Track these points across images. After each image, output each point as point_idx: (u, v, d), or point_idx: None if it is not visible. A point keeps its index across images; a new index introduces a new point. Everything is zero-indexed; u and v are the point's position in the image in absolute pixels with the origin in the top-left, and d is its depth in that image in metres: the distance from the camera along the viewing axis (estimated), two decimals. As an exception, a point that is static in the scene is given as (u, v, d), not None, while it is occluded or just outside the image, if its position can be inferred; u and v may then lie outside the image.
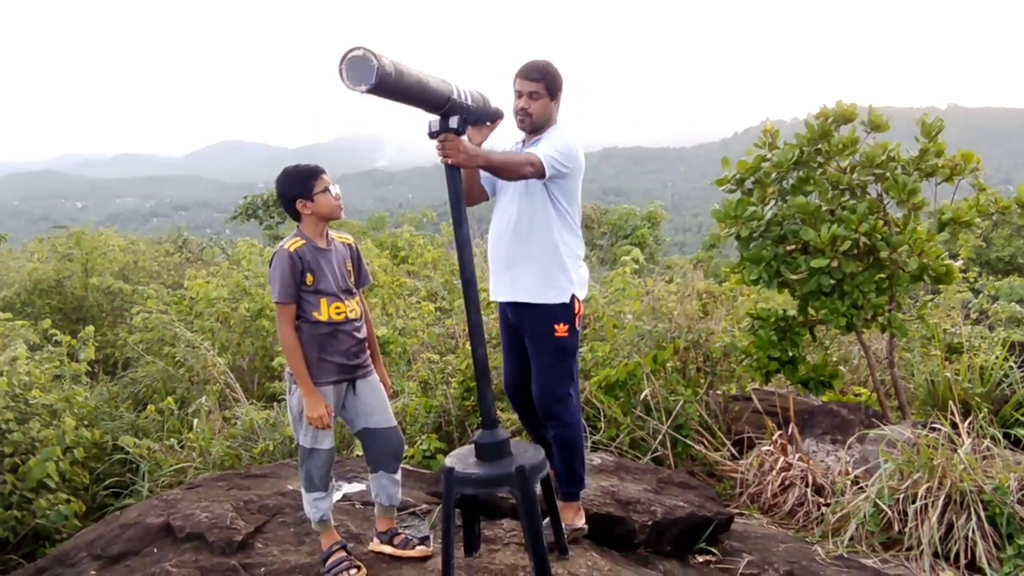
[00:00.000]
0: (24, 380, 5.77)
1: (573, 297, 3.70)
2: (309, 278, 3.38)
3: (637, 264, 10.74)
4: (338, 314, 3.44)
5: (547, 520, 3.52)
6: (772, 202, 5.56)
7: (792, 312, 5.74)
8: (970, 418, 4.66)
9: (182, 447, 5.94)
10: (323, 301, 3.41)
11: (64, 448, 5.33)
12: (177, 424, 6.56)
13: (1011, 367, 5.93)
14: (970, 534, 3.94)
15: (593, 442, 5.35)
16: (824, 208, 5.28)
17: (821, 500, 4.66)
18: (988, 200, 5.25)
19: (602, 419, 5.55)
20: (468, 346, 6.15)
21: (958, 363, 6.22)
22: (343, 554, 3.47)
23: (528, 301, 3.69)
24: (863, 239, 5.03)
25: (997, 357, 6.05)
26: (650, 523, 3.96)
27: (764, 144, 5.61)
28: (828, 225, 5.06)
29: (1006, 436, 4.93)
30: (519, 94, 3.65)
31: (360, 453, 5.26)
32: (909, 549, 4.04)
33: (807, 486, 4.73)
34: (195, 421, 6.29)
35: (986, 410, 5.31)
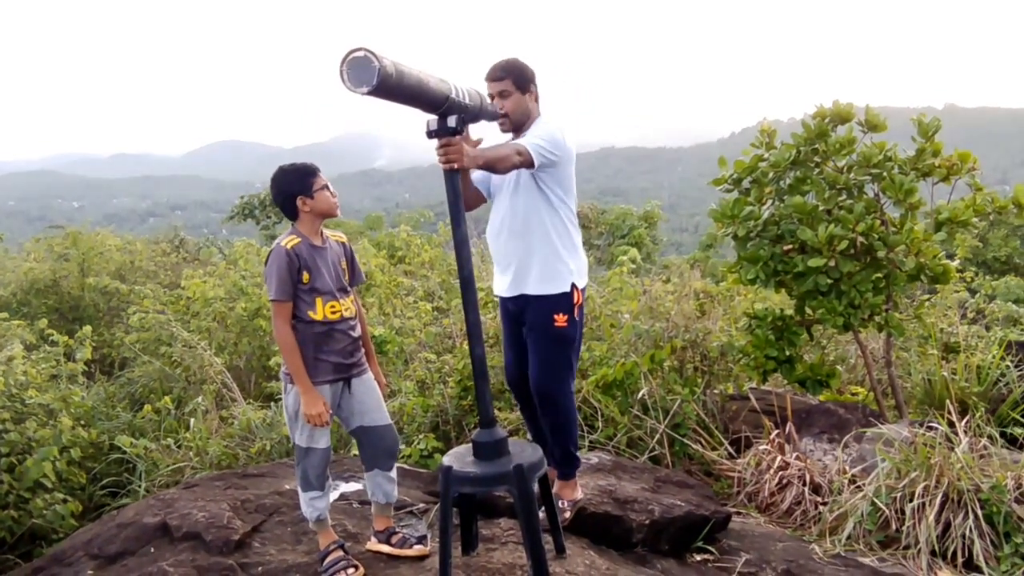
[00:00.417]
0: (20, 380, 5.76)
1: (573, 286, 3.74)
2: (306, 276, 3.38)
3: (634, 264, 10.74)
4: (333, 313, 3.45)
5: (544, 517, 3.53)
6: (769, 202, 5.57)
7: (789, 311, 5.74)
8: (967, 417, 4.66)
9: (179, 447, 5.94)
10: (319, 300, 3.41)
11: (61, 448, 5.32)
12: (174, 424, 6.55)
13: (1008, 366, 5.94)
14: (967, 533, 3.94)
15: (590, 441, 5.36)
16: (821, 208, 5.28)
17: (818, 499, 4.66)
18: (985, 200, 5.25)
19: (599, 418, 5.55)
20: (465, 346, 6.16)
21: (955, 362, 6.23)
22: (340, 553, 3.47)
23: (529, 294, 3.74)
24: (860, 239, 5.03)
25: (994, 356, 6.06)
26: (648, 522, 3.96)
27: (761, 144, 5.62)
28: (825, 225, 5.07)
29: (1003, 435, 4.93)
30: (490, 97, 3.66)
31: (357, 452, 5.27)
32: (906, 548, 4.05)
33: (804, 485, 4.74)
34: (192, 421, 6.28)
35: (983, 409, 5.31)
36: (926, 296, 8.01)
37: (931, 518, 4.00)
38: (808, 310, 5.54)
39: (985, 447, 4.44)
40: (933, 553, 3.97)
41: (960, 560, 3.92)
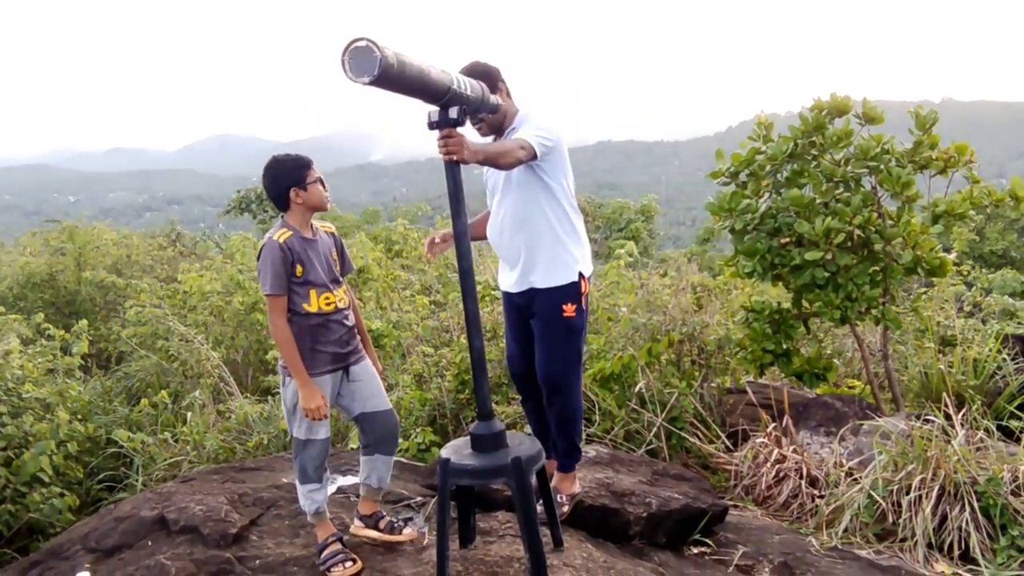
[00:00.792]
0: (17, 374, 5.75)
1: (580, 275, 3.77)
2: (299, 269, 3.38)
3: (631, 257, 10.73)
4: (328, 304, 3.45)
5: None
6: (766, 195, 5.57)
7: (786, 305, 5.74)
8: (964, 410, 4.67)
9: (176, 441, 5.93)
10: (313, 292, 3.41)
11: (58, 442, 5.32)
12: (171, 418, 6.54)
13: (1004, 359, 5.96)
14: (964, 525, 3.95)
15: (588, 435, 5.36)
16: (818, 201, 5.28)
17: (815, 492, 4.67)
18: (982, 193, 5.25)
19: (597, 412, 5.55)
20: (463, 339, 6.15)
21: (952, 355, 6.24)
22: (338, 546, 3.47)
23: (538, 287, 3.75)
24: (857, 232, 5.03)
25: (990, 350, 6.07)
26: (645, 515, 3.97)
27: (758, 137, 5.61)
28: (822, 218, 5.07)
29: (999, 428, 4.94)
30: None
31: (354, 446, 5.27)
32: (903, 540, 4.06)
33: (801, 478, 4.75)
34: (189, 415, 6.28)
35: (979, 402, 5.32)
36: (923, 289, 8.01)
37: (928, 511, 4.01)
38: (805, 303, 5.55)
39: (981, 440, 4.45)
40: (929, 546, 3.98)
41: (956, 552, 3.93)
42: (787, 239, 5.29)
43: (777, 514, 4.67)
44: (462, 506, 3.49)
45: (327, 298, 3.46)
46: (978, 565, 3.83)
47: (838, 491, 4.45)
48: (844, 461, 4.77)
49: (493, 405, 3.57)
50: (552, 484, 3.93)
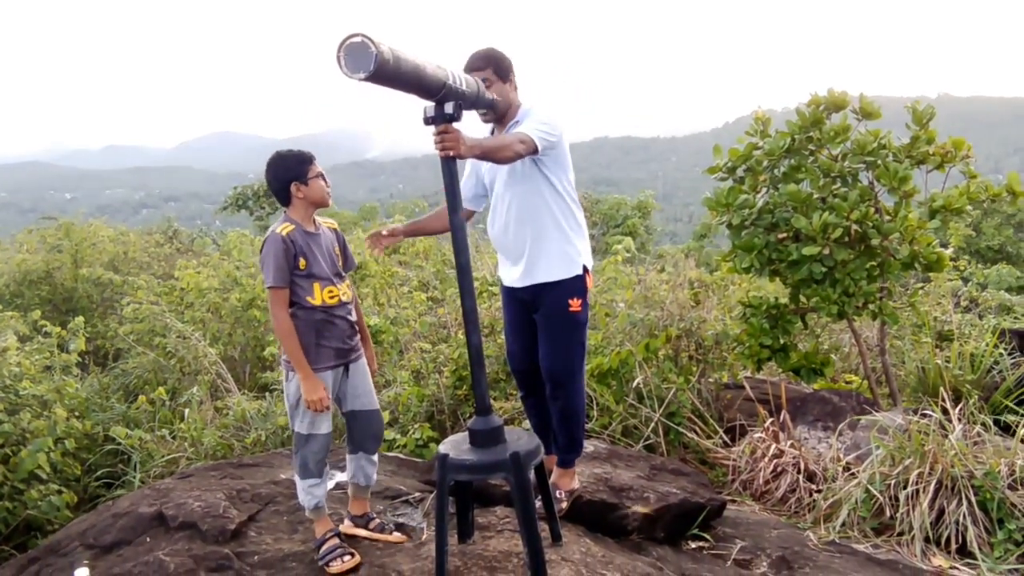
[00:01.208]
0: (14, 371, 5.74)
1: (584, 268, 3.79)
2: (302, 262, 3.38)
3: (628, 253, 10.72)
4: (331, 297, 3.46)
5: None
6: (763, 190, 5.57)
7: (784, 300, 5.75)
8: (961, 405, 4.68)
9: (174, 437, 5.93)
10: (316, 285, 3.42)
11: (55, 439, 5.31)
12: (168, 415, 6.54)
13: (1001, 354, 5.97)
14: (961, 519, 3.96)
15: (586, 430, 5.36)
16: (815, 196, 5.28)
17: (813, 486, 4.68)
18: (979, 188, 5.26)
19: (595, 407, 5.56)
20: (461, 335, 6.15)
21: (949, 350, 6.25)
22: (337, 541, 3.48)
23: (544, 282, 3.75)
24: (854, 227, 5.04)
25: (987, 344, 6.08)
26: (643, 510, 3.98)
27: (755, 132, 5.61)
28: (819, 213, 5.07)
29: (996, 423, 4.95)
30: None
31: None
32: (900, 534, 4.07)
33: (799, 473, 4.75)
34: (187, 411, 6.27)
35: (976, 397, 5.33)
36: (920, 284, 8.04)
37: (925, 505, 4.02)
38: (802, 298, 5.55)
39: (979, 434, 4.46)
40: (927, 539, 4.00)
41: (954, 546, 3.95)
42: (784, 234, 5.29)
43: (775, 509, 4.68)
44: (460, 501, 3.49)
45: (331, 291, 3.46)
46: (975, 559, 3.84)
47: (836, 486, 4.46)
48: (841, 456, 4.78)
49: (491, 401, 3.57)
50: (551, 480, 3.94)
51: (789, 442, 4.96)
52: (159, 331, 8.30)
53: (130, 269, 12.72)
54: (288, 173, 3.42)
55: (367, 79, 2.63)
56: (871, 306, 5.29)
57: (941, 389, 5.07)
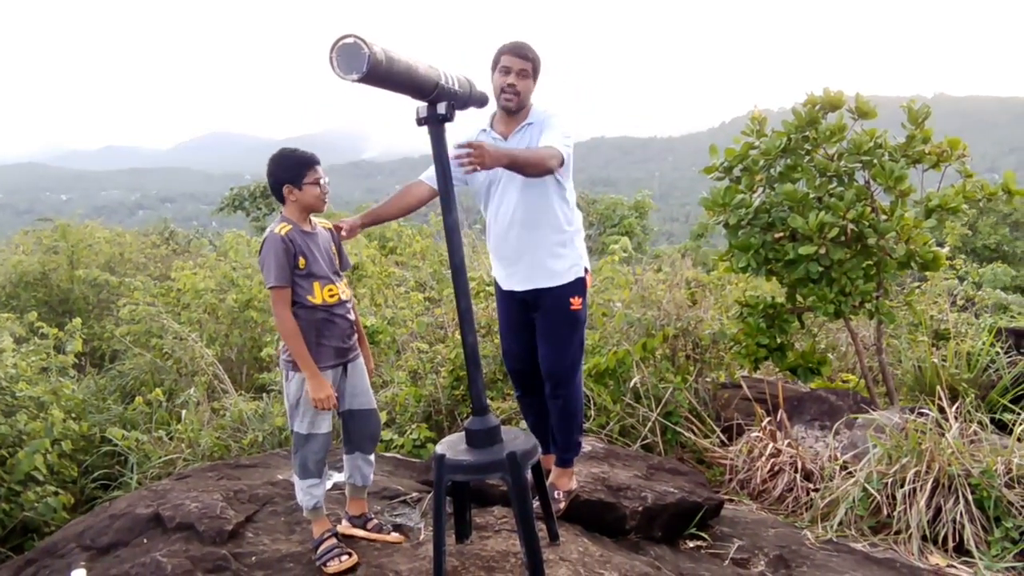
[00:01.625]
0: (11, 373, 5.73)
1: (585, 269, 3.83)
2: (302, 261, 3.38)
3: (625, 253, 10.72)
4: (332, 296, 3.45)
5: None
6: (760, 190, 5.58)
7: (780, 299, 5.75)
8: (957, 403, 4.69)
9: (171, 439, 5.92)
10: (316, 284, 3.41)
11: (52, 440, 5.30)
12: (165, 416, 6.52)
13: (997, 353, 5.98)
14: (958, 517, 3.97)
15: (583, 430, 5.36)
16: (812, 195, 5.29)
17: (810, 485, 4.68)
18: (974, 187, 5.27)
19: (592, 407, 5.56)
20: (458, 335, 6.15)
21: (945, 349, 6.26)
22: (334, 541, 3.47)
23: (547, 286, 3.76)
24: (851, 226, 5.04)
25: (983, 343, 6.09)
26: (640, 509, 3.98)
27: (752, 132, 5.62)
28: (816, 212, 5.08)
29: (993, 421, 4.96)
30: (507, 70, 3.62)
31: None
32: (898, 533, 4.08)
33: (796, 472, 4.76)
34: (183, 413, 6.26)
35: (973, 395, 5.34)
36: (916, 283, 8.04)
37: (922, 503, 4.03)
38: (799, 298, 5.56)
39: (975, 433, 4.47)
40: (924, 538, 4.00)
41: (951, 545, 3.96)
42: (781, 234, 5.30)
43: (772, 508, 4.69)
44: (458, 501, 3.49)
45: (331, 290, 3.46)
46: (972, 557, 3.85)
47: (833, 484, 4.46)
48: (839, 455, 4.78)
49: (488, 400, 3.57)
50: (549, 480, 3.95)
51: (786, 441, 4.97)
52: (156, 332, 8.29)
53: (126, 270, 12.69)
54: (284, 175, 3.41)
55: (360, 80, 2.62)
56: (868, 305, 5.29)
57: (938, 388, 5.08)
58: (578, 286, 3.81)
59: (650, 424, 5.33)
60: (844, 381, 6.78)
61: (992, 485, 4.02)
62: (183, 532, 3.68)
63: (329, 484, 4.18)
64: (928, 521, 4.02)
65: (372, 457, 3.69)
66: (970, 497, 4.01)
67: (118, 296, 10.10)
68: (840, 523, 4.22)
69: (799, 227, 5.12)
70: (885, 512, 4.18)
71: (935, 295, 8.24)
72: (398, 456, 5.07)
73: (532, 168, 3.39)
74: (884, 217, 5.23)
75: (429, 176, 3.79)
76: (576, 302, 3.79)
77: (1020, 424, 4.48)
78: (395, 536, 3.65)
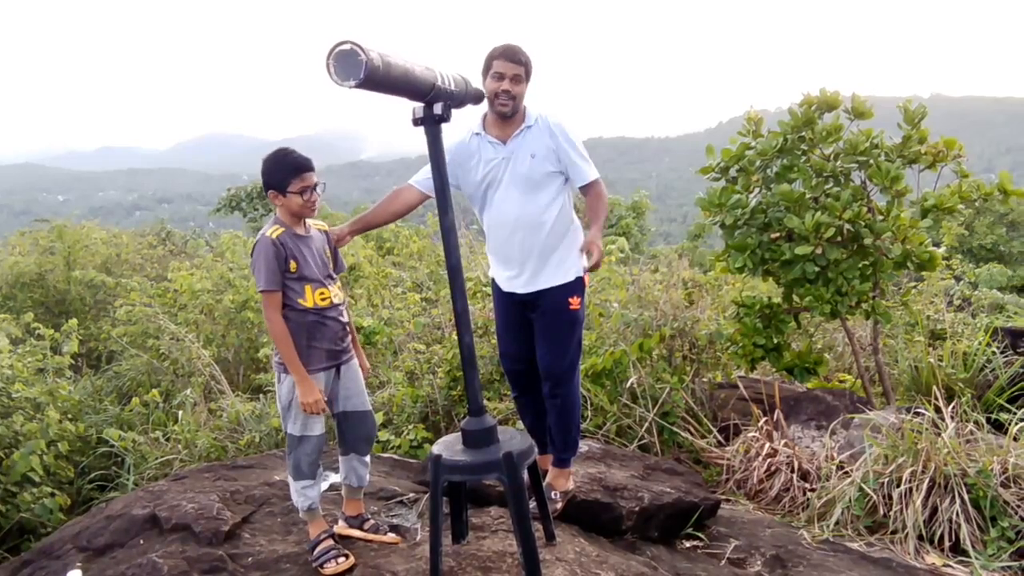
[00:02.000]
0: (7, 374, 5.73)
1: (584, 269, 3.82)
2: (293, 265, 3.37)
3: (622, 253, 10.72)
4: (323, 299, 3.44)
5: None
6: (756, 190, 5.58)
7: (777, 299, 5.76)
8: (953, 403, 4.69)
9: (167, 440, 5.91)
10: (308, 288, 3.40)
11: (48, 442, 5.30)
12: (162, 417, 6.52)
13: (994, 353, 5.99)
14: (954, 517, 3.97)
15: (580, 430, 5.37)
16: (808, 195, 5.30)
17: (807, 485, 4.69)
18: (970, 187, 5.28)
19: (589, 407, 5.56)
20: (454, 336, 6.15)
21: (941, 349, 6.27)
22: (331, 542, 3.47)
23: (549, 286, 3.79)
24: (847, 226, 5.05)
25: (980, 343, 6.10)
26: (637, 509, 3.98)
27: (748, 132, 5.62)
28: (812, 212, 5.08)
29: (989, 421, 4.96)
30: (500, 76, 3.63)
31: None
32: (894, 532, 4.08)
33: (793, 472, 4.76)
34: (180, 413, 6.25)
35: (969, 395, 5.35)
36: (913, 283, 8.05)
37: (918, 503, 4.03)
38: (796, 298, 5.56)
39: (971, 432, 4.47)
40: (920, 537, 4.01)
41: (947, 544, 3.96)
42: (777, 234, 5.30)
43: (769, 508, 4.69)
44: (454, 502, 3.49)
45: (322, 293, 3.45)
46: (968, 556, 3.85)
47: (829, 484, 4.47)
48: (835, 454, 4.79)
49: (484, 401, 3.57)
50: (547, 481, 3.96)
51: (783, 441, 4.97)
52: (152, 333, 8.28)
53: (123, 271, 12.68)
54: (269, 179, 3.37)
55: (357, 86, 2.61)
56: (864, 305, 5.30)
57: (934, 388, 5.09)
58: (577, 286, 3.83)
59: (647, 424, 5.33)
60: (840, 381, 6.79)
61: (988, 485, 4.02)
62: (179, 533, 3.67)
63: (325, 485, 4.18)
64: (924, 521, 4.02)
65: (368, 458, 3.69)
66: (966, 497, 4.01)
67: (115, 297, 10.11)
68: (836, 523, 4.22)
69: (795, 227, 5.12)
70: (881, 512, 4.18)
71: (931, 295, 8.25)
72: (395, 456, 5.06)
73: (606, 214, 3.80)
74: (880, 217, 5.24)
75: (417, 180, 3.82)
76: (575, 302, 3.81)
77: (1016, 424, 4.50)
78: (391, 537, 3.66)
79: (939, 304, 8.02)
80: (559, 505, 3.91)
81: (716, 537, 4.14)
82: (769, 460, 4.88)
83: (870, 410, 5.17)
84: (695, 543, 4.09)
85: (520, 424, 4.41)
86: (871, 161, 5.22)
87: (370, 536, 3.64)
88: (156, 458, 5.64)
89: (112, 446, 5.79)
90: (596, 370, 5.68)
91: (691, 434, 5.38)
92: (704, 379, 6.04)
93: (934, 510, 4.05)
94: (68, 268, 12.08)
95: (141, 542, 3.69)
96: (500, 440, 3.21)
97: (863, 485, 4.26)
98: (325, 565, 3.37)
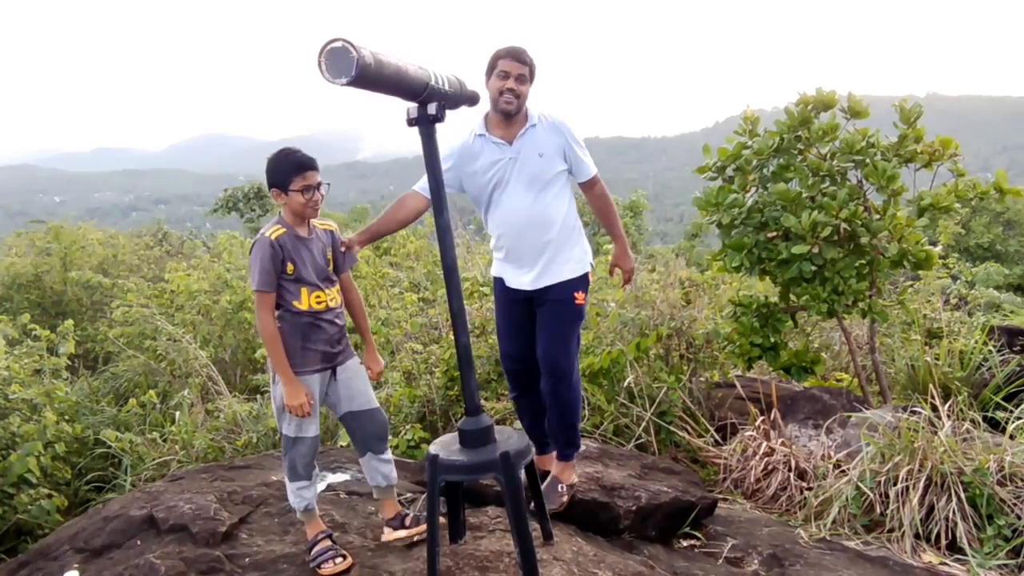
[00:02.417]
0: (3, 375, 5.72)
1: (590, 265, 3.95)
2: (290, 267, 3.36)
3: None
4: (319, 303, 3.44)
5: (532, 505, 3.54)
6: (753, 189, 5.58)
7: (774, 299, 5.76)
8: (950, 402, 4.70)
9: (164, 440, 5.91)
10: (304, 290, 3.40)
11: (45, 443, 5.29)
12: (159, 418, 6.51)
13: (990, 351, 6.00)
14: (950, 515, 3.98)
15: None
16: (805, 195, 5.29)
17: (804, 484, 4.69)
18: (967, 186, 5.28)
19: (586, 406, 5.56)
20: (452, 336, 6.15)
21: (938, 348, 6.28)
22: (328, 543, 3.47)
23: (555, 282, 3.84)
24: (843, 225, 5.05)
25: (976, 342, 6.11)
26: (634, 508, 3.98)
27: (744, 131, 5.62)
28: (809, 212, 5.08)
29: (985, 419, 4.97)
30: (505, 75, 3.66)
31: (343, 443, 5.26)
32: (891, 531, 4.08)
33: (790, 470, 4.77)
34: (177, 414, 6.25)
35: (966, 394, 5.35)
36: (909, 282, 8.06)
37: (915, 501, 4.04)
38: (792, 297, 5.57)
39: (968, 431, 4.48)
40: (917, 536, 4.01)
41: (944, 542, 3.96)
42: (774, 233, 5.31)
43: (766, 506, 4.70)
44: (451, 502, 3.48)
45: (318, 296, 3.44)
46: (965, 555, 3.86)
47: (826, 483, 4.47)
48: (832, 453, 4.79)
49: (482, 401, 3.57)
50: (552, 474, 4.02)
51: (780, 440, 4.98)
52: (149, 334, 8.27)
53: (120, 272, 12.67)
54: (272, 177, 3.37)
55: (349, 84, 2.61)
56: (861, 304, 5.30)
57: (931, 386, 5.09)
58: (584, 281, 3.91)
59: (644, 424, 5.34)
60: (837, 380, 6.79)
61: (984, 483, 4.03)
62: (177, 534, 3.67)
63: (322, 486, 4.19)
64: (921, 519, 4.03)
65: (388, 455, 3.66)
66: (963, 495, 4.02)
67: (111, 298, 10.09)
68: (833, 521, 4.23)
69: (792, 226, 5.13)
70: (878, 510, 4.19)
71: (928, 294, 8.26)
72: (392, 456, 5.06)
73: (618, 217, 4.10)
74: (877, 216, 5.24)
75: (423, 186, 3.82)
76: (580, 297, 3.88)
77: (1013, 422, 4.50)
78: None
79: (936, 303, 8.02)
80: (565, 498, 3.95)
81: (713, 536, 4.15)
82: (766, 459, 4.88)
83: (867, 409, 5.18)
84: (692, 542, 4.10)
85: (517, 424, 4.42)
86: (867, 160, 5.22)
87: (414, 531, 3.61)
88: (153, 459, 5.64)
89: (109, 447, 5.78)
90: (593, 370, 5.68)
91: (688, 433, 5.39)
92: (701, 378, 6.04)
93: (931, 508, 4.06)
94: (65, 269, 12.06)
95: (138, 543, 3.69)
96: (497, 440, 3.21)
97: (860, 484, 4.27)
98: (323, 566, 3.37)
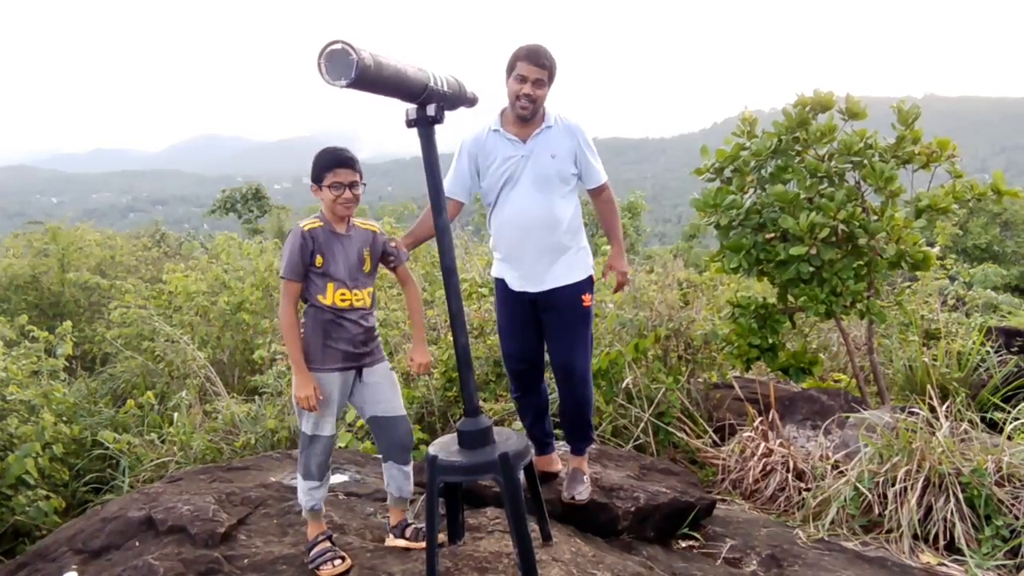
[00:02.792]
0: (1, 376, 5.71)
1: (593, 267, 3.99)
2: (319, 260, 3.35)
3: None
4: (343, 301, 3.39)
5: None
6: (751, 190, 5.59)
7: (772, 300, 5.77)
8: (948, 402, 4.70)
9: (163, 442, 5.90)
10: (330, 285, 3.37)
11: (43, 444, 5.28)
12: (157, 419, 6.50)
13: (988, 352, 6.01)
14: (949, 516, 3.98)
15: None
16: (802, 196, 5.31)
17: (802, 485, 4.69)
18: (964, 187, 5.29)
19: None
20: (450, 337, 6.15)
21: (936, 349, 6.29)
22: (327, 544, 3.46)
23: (560, 284, 3.87)
24: (841, 226, 5.06)
25: (974, 342, 6.12)
26: (633, 509, 3.99)
27: (743, 133, 5.63)
28: (807, 213, 5.09)
29: (983, 420, 4.98)
30: (523, 79, 3.67)
31: (343, 444, 5.26)
32: (889, 531, 4.09)
33: (788, 471, 4.77)
34: (175, 415, 6.24)
35: (964, 394, 5.37)
36: (907, 283, 8.07)
37: (913, 502, 4.04)
38: (790, 298, 5.58)
39: (966, 431, 4.48)
40: (915, 536, 4.01)
41: (942, 543, 3.97)
42: (772, 234, 5.32)
43: (764, 507, 4.70)
44: (450, 503, 3.48)
45: (343, 294, 3.41)
46: (963, 555, 3.86)
47: (824, 484, 4.48)
48: (830, 454, 4.80)
49: (481, 402, 3.57)
50: (573, 466, 4.11)
51: (778, 441, 4.98)
52: (147, 335, 8.27)
53: (117, 273, 12.66)
54: (312, 171, 3.41)
55: (349, 86, 2.62)
56: (858, 305, 5.31)
57: (928, 387, 5.10)
58: (589, 283, 3.95)
59: (642, 424, 5.34)
60: (835, 381, 6.80)
61: (982, 484, 4.03)
62: (175, 535, 3.67)
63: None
64: (919, 520, 4.03)
65: (408, 468, 3.61)
66: (961, 496, 4.02)
67: (109, 299, 10.08)
68: (832, 522, 4.23)
69: (790, 228, 5.13)
70: (876, 511, 4.19)
71: (926, 295, 8.27)
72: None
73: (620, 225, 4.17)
74: (874, 217, 5.25)
75: (451, 190, 3.87)
76: (587, 299, 3.92)
77: (1010, 423, 4.51)
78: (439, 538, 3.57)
79: (933, 304, 8.04)
80: (587, 490, 4.03)
81: (712, 537, 4.15)
82: (764, 460, 4.88)
83: (865, 410, 5.18)
84: (691, 543, 4.10)
85: (517, 425, 4.43)
86: (865, 161, 5.23)
87: (412, 544, 3.59)
88: (151, 460, 5.63)
89: (107, 448, 5.78)
90: (592, 370, 5.68)
91: (687, 434, 5.39)
92: (699, 379, 6.05)
93: (929, 509, 4.06)
94: (62, 270, 12.06)
95: (137, 544, 3.68)
96: (496, 441, 3.21)
97: (858, 484, 4.27)
98: (321, 567, 3.36)
